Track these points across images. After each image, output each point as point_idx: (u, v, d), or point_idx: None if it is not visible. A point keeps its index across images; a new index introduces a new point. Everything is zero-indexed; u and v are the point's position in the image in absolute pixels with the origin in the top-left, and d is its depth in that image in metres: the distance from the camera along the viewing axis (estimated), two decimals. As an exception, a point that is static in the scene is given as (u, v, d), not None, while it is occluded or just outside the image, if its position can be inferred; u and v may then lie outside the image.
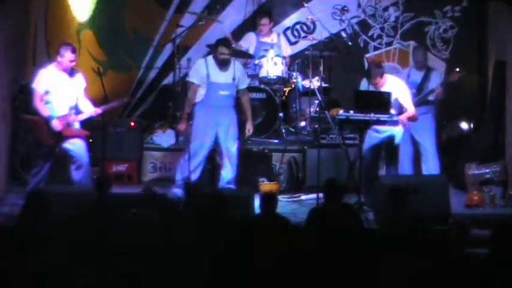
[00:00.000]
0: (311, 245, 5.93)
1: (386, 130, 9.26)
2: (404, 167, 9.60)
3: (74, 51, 9.03)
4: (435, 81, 9.62)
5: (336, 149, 10.09)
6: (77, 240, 5.84)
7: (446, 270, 5.55)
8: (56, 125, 8.90)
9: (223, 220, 6.29)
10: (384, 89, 9.21)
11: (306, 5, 11.19)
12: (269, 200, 7.06)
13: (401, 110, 9.20)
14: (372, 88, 9.25)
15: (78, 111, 9.05)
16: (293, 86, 10.88)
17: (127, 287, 5.57)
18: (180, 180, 9.33)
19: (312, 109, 10.81)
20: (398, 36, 11.65)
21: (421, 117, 9.37)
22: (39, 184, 8.96)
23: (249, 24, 11.44)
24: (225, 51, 9.30)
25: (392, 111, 9.13)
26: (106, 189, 7.52)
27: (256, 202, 8.41)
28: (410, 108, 9.18)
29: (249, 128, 9.63)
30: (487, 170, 9.68)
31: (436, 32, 11.61)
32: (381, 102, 9.08)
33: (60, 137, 8.93)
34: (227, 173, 9.44)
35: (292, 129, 10.80)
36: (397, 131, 9.26)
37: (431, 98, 9.61)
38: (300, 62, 10.99)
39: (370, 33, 11.69)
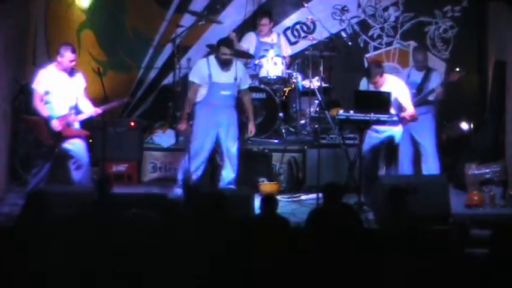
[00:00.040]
0: (311, 245, 5.93)
1: (386, 130, 9.27)
2: (404, 167, 9.60)
3: (73, 51, 9.03)
4: (435, 82, 9.62)
5: (336, 149, 10.08)
6: (77, 240, 5.84)
7: (446, 270, 5.55)
8: (56, 125, 8.90)
9: (223, 220, 6.29)
10: (383, 88, 9.21)
11: (306, 5, 11.19)
12: (269, 202, 7.06)
13: (400, 109, 9.20)
14: (371, 87, 9.26)
15: (78, 111, 9.05)
16: (293, 86, 10.88)
17: (127, 287, 5.57)
18: (181, 180, 9.33)
19: (312, 109, 10.81)
20: (398, 36, 11.65)
21: (421, 117, 9.38)
22: (39, 184, 8.96)
23: (249, 24, 11.44)
24: (227, 51, 9.30)
25: (392, 111, 9.14)
26: (107, 190, 7.52)
27: (256, 202, 8.41)
28: (410, 108, 9.19)
29: (251, 129, 9.63)
30: (487, 170, 9.68)
31: (436, 32, 11.60)
32: (381, 102, 9.08)
33: (60, 137, 8.94)
34: (227, 173, 9.44)
35: (292, 129, 10.79)
36: (396, 131, 9.27)
37: (431, 98, 9.61)
38: (300, 62, 10.99)
39: (370, 33, 11.68)
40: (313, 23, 11.33)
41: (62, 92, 8.97)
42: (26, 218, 6.38)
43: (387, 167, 9.62)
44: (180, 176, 9.41)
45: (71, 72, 9.03)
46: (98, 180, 8.25)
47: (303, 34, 11.68)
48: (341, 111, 9.25)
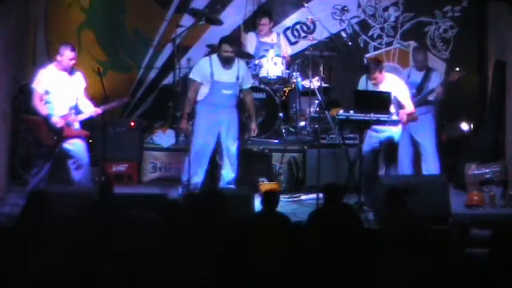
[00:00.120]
0: (311, 243, 5.93)
1: (384, 130, 9.28)
2: (404, 167, 9.60)
3: (73, 49, 9.03)
4: (435, 81, 9.62)
5: (336, 149, 10.09)
6: (77, 240, 5.84)
7: (446, 270, 5.55)
8: (57, 120, 8.89)
9: (223, 220, 6.29)
10: (382, 86, 9.22)
11: (306, 5, 11.19)
12: (270, 198, 7.08)
13: (400, 108, 9.20)
14: (370, 84, 9.26)
15: (78, 111, 9.05)
16: (293, 86, 10.88)
17: (127, 287, 5.57)
18: (186, 180, 9.30)
19: (312, 109, 10.81)
20: (398, 36, 11.65)
21: (421, 117, 9.38)
22: (39, 184, 8.96)
23: (249, 24, 11.44)
24: (229, 48, 9.30)
25: (392, 109, 9.14)
26: (108, 193, 7.49)
27: (256, 202, 8.41)
28: (410, 107, 9.19)
29: (254, 129, 9.63)
30: (487, 170, 9.68)
31: (436, 32, 11.61)
32: (381, 102, 9.08)
33: (60, 137, 8.93)
34: (227, 172, 9.43)
35: (292, 129, 10.79)
36: (395, 131, 9.27)
37: (431, 98, 9.61)
38: (300, 62, 10.98)
39: (370, 33, 11.69)
40: (313, 23, 11.33)
41: (62, 91, 8.97)
42: (26, 218, 6.38)
43: (387, 167, 9.62)
44: (184, 177, 9.37)
45: (71, 71, 9.03)
46: (100, 183, 8.23)
47: (303, 34, 11.68)
48: (341, 111, 9.26)
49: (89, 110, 9.04)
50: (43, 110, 8.92)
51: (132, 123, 10.58)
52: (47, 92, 8.95)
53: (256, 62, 10.61)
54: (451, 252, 5.94)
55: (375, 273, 5.59)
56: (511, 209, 9.29)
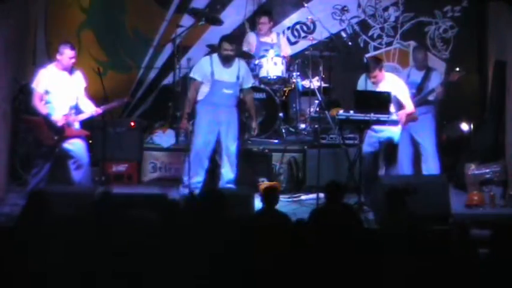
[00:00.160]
0: (313, 241, 5.94)
1: (383, 130, 9.28)
2: (404, 167, 9.59)
3: (73, 48, 9.03)
4: (435, 81, 9.61)
5: (336, 149, 10.08)
6: (77, 240, 5.84)
7: (446, 270, 5.55)
8: (58, 119, 8.88)
9: (223, 220, 6.29)
10: (382, 85, 9.22)
11: (306, 5, 11.19)
12: (270, 195, 7.09)
13: (400, 107, 9.21)
14: (370, 83, 9.27)
15: (78, 111, 9.05)
16: (293, 86, 10.88)
17: (127, 287, 5.57)
18: (186, 180, 9.30)
19: (312, 109, 10.82)
20: (398, 36, 11.65)
21: (421, 117, 9.38)
22: (39, 184, 8.96)
23: (249, 24, 11.44)
24: (228, 47, 9.29)
25: (392, 109, 9.14)
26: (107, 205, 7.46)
27: (256, 202, 8.42)
28: (410, 106, 9.19)
29: (254, 128, 9.62)
30: (487, 170, 9.68)
31: (436, 32, 11.61)
32: (381, 102, 9.08)
33: (61, 136, 8.93)
34: (227, 172, 9.43)
35: (292, 129, 10.80)
36: (394, 132, 9.28)
37: (431, 98, 9.60)
38: (300, 62, 10.98)
39: (370, 33, 11.69)
40: (313, 23, 11.34)
41: (62, 91, 8.97)
42: (26, 218, 6.38)
43: (387, 167, 9.63)
44: (185, 177, 9.36)
45: (71, 71, 9.03)
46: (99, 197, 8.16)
47: (303, 34, 11.68)
48: (341, 111, 9.25)
49: (90, 109, 9.04)
50: (43, 109, 8.92)
51: (132, 123, 10.58)
52: (47, 92, 8.95)
53: (256, 62, 10.62)
54: (451, 252, 5.94)
55: (375, 273, 5.59)
56: (511, 209, 9.29)
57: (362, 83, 9.39)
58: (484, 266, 5.55)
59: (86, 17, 11.52)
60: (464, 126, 10.73)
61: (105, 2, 11.62)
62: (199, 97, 9.38)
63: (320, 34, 11.14)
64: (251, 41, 10.95)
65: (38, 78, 9.00)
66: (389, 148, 9.49)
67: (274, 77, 10.58)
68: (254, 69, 10.53)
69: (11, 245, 5.86)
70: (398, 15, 11.64)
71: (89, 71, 9.82)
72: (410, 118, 9.22)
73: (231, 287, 5.61)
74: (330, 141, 10.31)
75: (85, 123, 9.20)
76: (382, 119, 9.06)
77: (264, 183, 9.74)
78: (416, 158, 9.67)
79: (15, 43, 10.06)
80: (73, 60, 9.00)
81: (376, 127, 9.23)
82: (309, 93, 10.77)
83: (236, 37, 10.29)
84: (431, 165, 9.57)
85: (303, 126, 10.83)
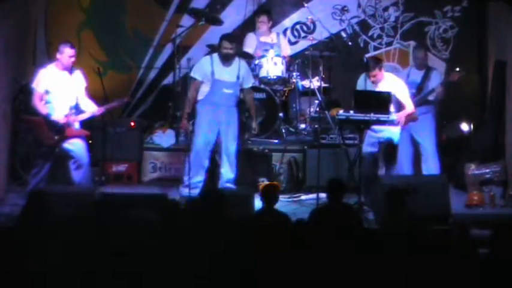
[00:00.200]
0: (313, 240, 5.94)
1: (383, 130, 9.28)
2: (404, 167, 9.59)
3: (72, 46, 9.02)
4: (435, 81, 9.61)
5: (336, 149, 10.08)
6: (77, 240, 5.84)
7: (446, 270, 5.55)
8: (59, 118, 8.88)
9: (223, 220, 6.29)
10: (381, 85, 9.22)
11: (306, 5, 11.19)
12: (269, 193, 7.10)
13: (399, 107, 9.21)
14: (369, 83, 9.27)
15: (78, 111, 9.05)
16: (293, 86, 10.88)
17: (127, 287, 5.57)
18: (187, 180, 9.29)
19: (312, 109, 10.82)
20: (398, 36, 11.65)
21: (421, 117, 9.38)
22: (39, 184, 8.96)
23: (249, 24, 11.44)
24: (228, 45, 9.28)
25: (392, 109, 9.14)
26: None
27: (256, 202, 8.41)
28: (409, 106, 9.19)
29: (254, 127, 9.62)
30: (487, 170, 9.68)
31: (436, 32, 11.61)
32: (381, 102, 9.08)
33: (62, 136, 8.93)
34: (226, 171, 9.42)
35: (292, 129, 10.80)
36: (393, 132, 9.28)
37: (431, 98, 9.60)
38: (300, 62, 10.98)
39: (370, 33, 11.69)
40: (313, 23, 11.34)
41: (62, 91, 8.97)
42: (26, 218, 6.37)
43: (387, 167, 9.63)
44: (185, 177, 9.36)
45: (71, 70, 9.02)
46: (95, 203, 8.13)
47: (303, 34, 11.68)
48: (341, 111, 9.25)
49: (91, 109, 9.03)
50: (43, 109, 8.92)
51: (132, 123, 10.58)
52: (47, 92, 8.94)
53: (256, 62, 10.61)
54: (451, 252, 5.94)
55: (375, 273, 5.59)
56: (511, 209, 9.29)
57: (361, 83, 9.40)
58: (484, 266, 5.55)
59: (86, 17, 11.52)
60: (464, 126, 10.73)
61: (105, 2, 11.62)
62: (200, 97, 9.38)
63: (320, 34, 11.14)
64: (251, 42, 10.93)
65: (38, 78, 9.00)
66: (389, 148, 9.49)
67: (274, 77, 10.58)
68: (254, 69, 10.54)
69: (11, 245, 5.86)
70: (398, 15, 11.64)
71: (89, 71, 9.82)
72: (411, 118, 9.22)
73: (231, 287, 5.61)
74: (330, 141, 10.31)
75: (85, 123, 9.20)
76: (382, 119, 9.05)
77: (264, 183, 9.74)
78: (416, 158, 9.67)
79: (15, 43, 10.06)
80: (73, 59, 9.00)
81: (375, 127, 9.23)
82: (309, 93, 10.77)
83: (236, 36, 10.29)
84: (431, 165, 9.57)
85: (303, 126, 10.84)
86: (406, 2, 11.61)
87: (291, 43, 11.58)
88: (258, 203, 8.26)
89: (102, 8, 11.56)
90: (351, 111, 9.14)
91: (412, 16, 11.62)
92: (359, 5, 11.65)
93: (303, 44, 11.52)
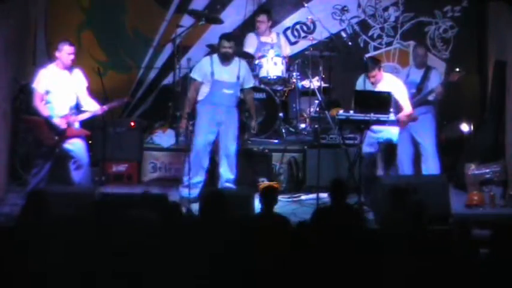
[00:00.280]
0: (314, 240, 5.94)
1: (382, 130, 9.28)
2: (404, 167, 9.59)
3: (71, 44, 9.01)
4: (435, 81, 9.61)
5: (336, 149, 10.08)
6: (76, 240, 5.84)
7: (447, 270, 5.55)
8: (60, 122, 8.87)
9: (223, 220, 6.29)
10: (380, 85, 9.22)
11: (306, 5, 11.19)
12: (268, 195, 7.10)
13: (398, 108, 9.21)
14: (368, 84, 9.27)
15: (79, 111, 9.04)
16: (293, 86, 10.88)
17: (127, 287, 5.57)
18: (187, 180, 9.29)
19: (312, 109, 10.82)
20: (398, 36, 11.65)
21: (421, 117, 9.38)
22: (39, 184, 8.95)
23: (249, 24, 11.43)
24: (227, 44, 9.28)
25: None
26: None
27: (256, 202, 8.41)
28: (407, 108, 9.19)
29: (254, 127, 9.62)
30: (487, 170, 9.68)
31: (436, 32, 11.61)
32: (381, 102, 9.07)
33: (61, 137, 8.93)
34: (225, 171, 9.42)
35: (292, 129, 10.79)
36: (392, 132, 9.28)
37: (431, 98, 9.60)
38: (300, 62, 10.98)
39: (370, 33, 11.69)
40: (313, 23, 11.34)
41: (63, 91, 8.96)
42: (26, 218, 6.38)
43: (387, 167, 9.63)
44: (185, 177, 9.35)
45: (71, 70, 9.01)
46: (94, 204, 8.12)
47: (303, 34, 11.68)
48: (341, 111, 9.24)
49: (93, 108, 9.02)
50: (44, 111, 8.90)
51: (132, 123, 10.58)
52: (47, 92, 8.94)
53: (256, 62, 10.61)
54: (451, 252, 5.93)
55: (375, 273, 5.59)
56: (511, 209, 9.29)
57: (360, 83, 9.40)
58: (484, 266, 5.55)
59: (86, 17, 11.52)
60: (464, 126, 10.73)
61: (105, 2, 11.62)
62: (200, 97, 9.38)
63: (320, 34, 11.14)
64: (252, 42, 10.92)
65: (38, 78, 9.00)
66: (388, 149, 9.49)
67: (274, 77, 10.57)
68: (254, 69, 10.53)
69: (11, 245, 5.86)
70: (398, 15, 11.64)
71: (89, 71, 9.81)
72: (410, 119, 9.22)
73: (231, 287, 5.61)
74: (330, 141, 10.31)
75: (85, 123, 9.19)
76: (382, 119, 9.05)
77: (264, 183, 9.75)
78: (416, 158, 9.67)
79: (15, 43, 10.06)
80: (72, 57, 8.98)
81: (374, 128, 9.22)
82: (309, 93, 10.76)
83: (235, 36, 10.29)
84: (431, 165, 9.57)
85: (303, 126, 10.84)
86: (406, 2, 11.61)
87: (291, 43, 11.58)
88: (258, 204, 8.26)
89: (102, 8, 11.56)
90: (351, 111, 9.13)
91: (412, 16, 11.62)
92: (359, 5, 11.65)
93: (303, 44, 11.51)
